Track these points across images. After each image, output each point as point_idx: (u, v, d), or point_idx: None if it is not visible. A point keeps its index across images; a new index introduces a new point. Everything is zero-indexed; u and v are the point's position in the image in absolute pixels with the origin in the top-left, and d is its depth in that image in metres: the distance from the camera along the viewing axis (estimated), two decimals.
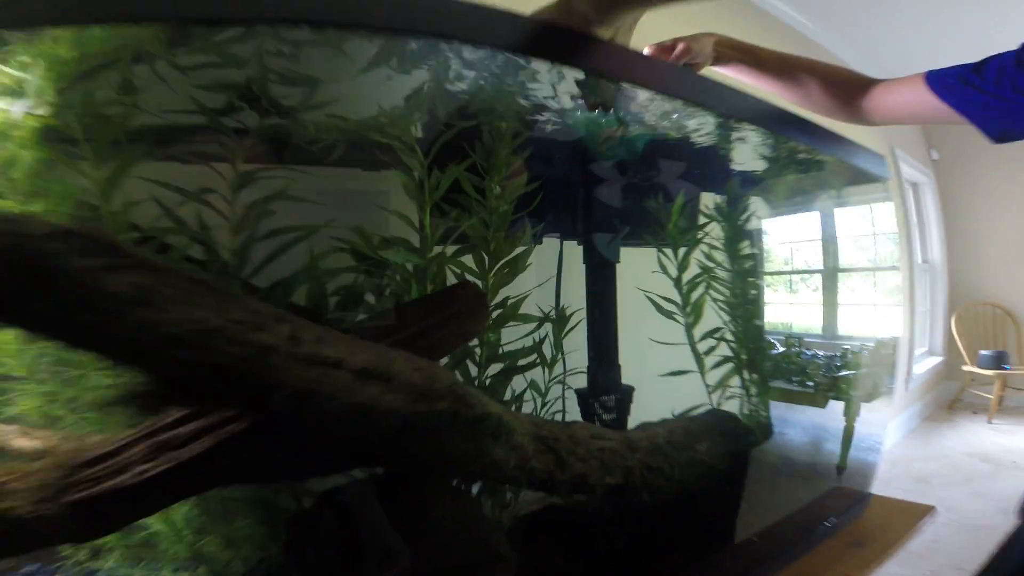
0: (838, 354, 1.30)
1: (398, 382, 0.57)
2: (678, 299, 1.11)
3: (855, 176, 1.30)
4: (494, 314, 0.89)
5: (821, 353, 1.28)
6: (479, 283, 0.88)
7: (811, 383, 1.26)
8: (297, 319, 0.53)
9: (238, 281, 0.73)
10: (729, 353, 1.16)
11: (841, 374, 1.29)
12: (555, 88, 0.86)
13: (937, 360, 5.26)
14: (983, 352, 4.77)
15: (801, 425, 1.29)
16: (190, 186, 0.73)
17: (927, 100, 0.89)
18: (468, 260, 0.88)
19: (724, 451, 1.01)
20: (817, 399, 1.28)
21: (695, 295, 1.11)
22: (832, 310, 1.34)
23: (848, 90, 1.00)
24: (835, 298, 1.35)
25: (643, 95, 0.88)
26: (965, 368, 4.89)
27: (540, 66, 0.82)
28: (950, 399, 5.14)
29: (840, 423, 1.31)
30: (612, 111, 0.92)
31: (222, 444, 0.57)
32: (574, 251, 1.05)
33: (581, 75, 0.82)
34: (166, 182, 0.71)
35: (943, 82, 0.87)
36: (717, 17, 2.39)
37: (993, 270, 5.25)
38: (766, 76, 1.03)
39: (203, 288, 0.48)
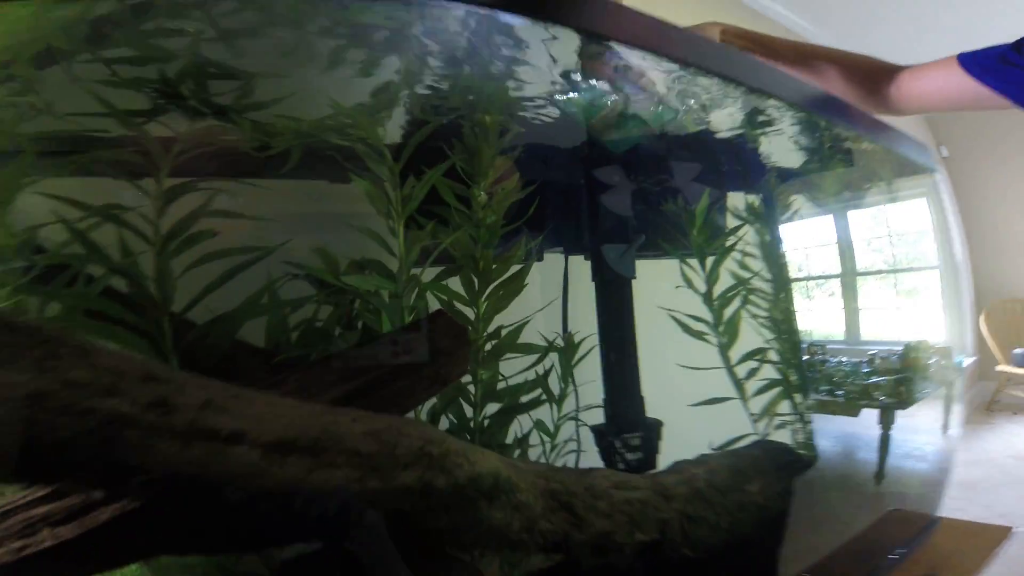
0: (865, 360, 1.18)
1: (337, 453, 0.40)
2: (709, 317, 0.93)
3: (902, 168, 1.13)
4: (488, 345, 0.72)
5: (846, 360, 1.17)
6: (469, 310, 0.71)
7: (840, 392, 1.14)
8: (181, 377, 0.37)
9: (166, 317, 0.57)
10: (775, 375, 0.98)
11: (871, 381, 1.15)
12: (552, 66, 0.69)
13: (969, 360, 4.95)
14: (1016, 351, 4.48)
15: (837, 437, 1.15)
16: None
17: (964, 84, 0.81)
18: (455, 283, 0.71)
19: (780, 489, 0.83)
20: (849, 408, 1.16)
21: (729, 311, 0.93)
22: (854, 314, 1.21)
23: (872, 79, 0.92)
24: (855, 302, 1.21)
25: (652, 72, 0.71)
26: (999, 368, 4.60)
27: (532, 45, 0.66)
28: (986, 400, 4.83)
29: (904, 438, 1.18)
30: (613, 83, 0.75)
31: (124, 517, 0.41)
32: (582, 267, 0.87)
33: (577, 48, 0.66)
34: (73, 198, 0.56)
35: (981, 64, 0.80)
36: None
37: (1018, 266, 4.97)
38: (780, 67, 0.91)
39: (27, 340, 0.32)
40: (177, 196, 0.59)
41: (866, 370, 1.17)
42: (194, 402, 0.35)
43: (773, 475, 0.85)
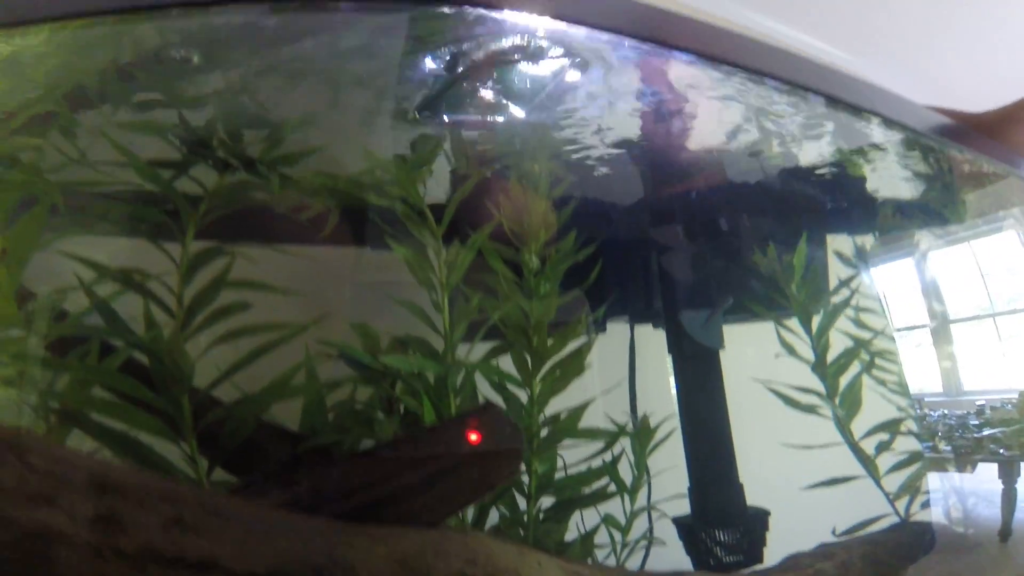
0: (972, 412, 1.07)
1: None
2: (819, 386, 0.83)
3: None
4: (545, 431, 0.67)
5: (948, 412, 1.07)
6: (523, 392, 0.67)
7: (948, 447, 1.04)
8: (148, 486, 0.35)
9: (185, 395, 0.56)
10: (913, 444, 0.88)
11: (985, 433, 1.04)
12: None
13: None
14: None
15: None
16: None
17: None
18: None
19: None
20: (963, 463, 1.05)
21: (846, 378, 0.83)
22: (951, 363, 1.08)
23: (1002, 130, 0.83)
24: (951, 349, 1.08)
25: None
26: None
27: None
28: None
29: None
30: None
31: None
32: (652, 336, 0.80)
33: None
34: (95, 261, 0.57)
35: None
36: None
37: None
38: None
39: None
40: (204, 262, 0.59)
41: (975, 422, 1.06)
42: (155, 520, 0.33)
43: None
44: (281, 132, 0.64)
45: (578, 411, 0.69)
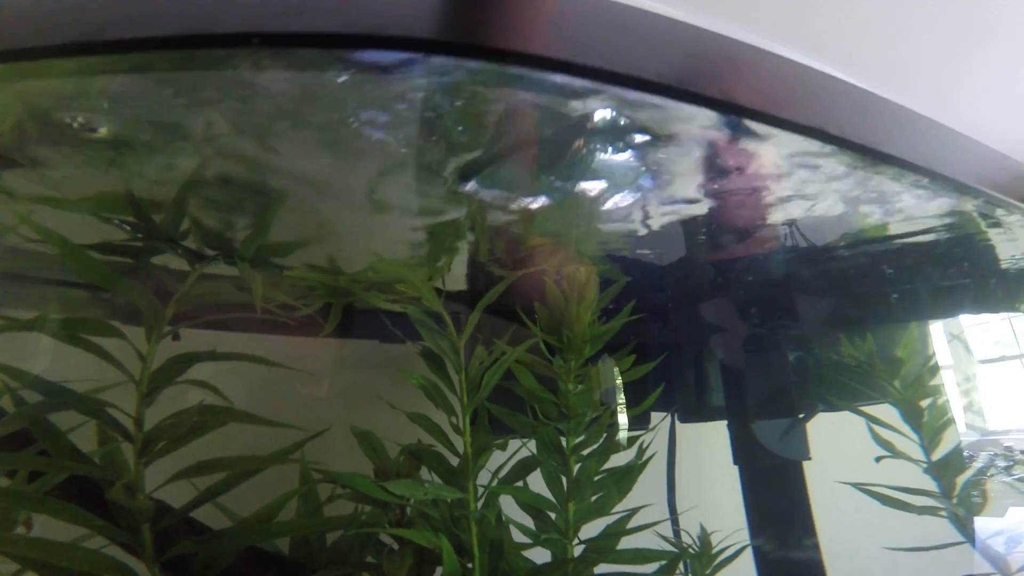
0: (997, 453, 0.94)
1: None
2: (934, 487, 0.70)
3: None
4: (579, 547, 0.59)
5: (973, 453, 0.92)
6: (553, 513, 0.58)
7: (976, 493, 0.89)
8: None
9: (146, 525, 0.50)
10: None
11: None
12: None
13: None
14: None
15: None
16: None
17: None
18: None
19: None
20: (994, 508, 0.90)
21: (963, 477, 0.70)
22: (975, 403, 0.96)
23: None
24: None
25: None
26: None
27: None
28: None
29: None
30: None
31: None
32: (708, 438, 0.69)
33: None
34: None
35: None
36: None
37: None
38: None
39: None
40: (165, 383, 0.50)
41: (1004, 464, 0.94)
42: None
43: None
44: (269, 215, 0.55)
45: (619, 527, 0.60)
